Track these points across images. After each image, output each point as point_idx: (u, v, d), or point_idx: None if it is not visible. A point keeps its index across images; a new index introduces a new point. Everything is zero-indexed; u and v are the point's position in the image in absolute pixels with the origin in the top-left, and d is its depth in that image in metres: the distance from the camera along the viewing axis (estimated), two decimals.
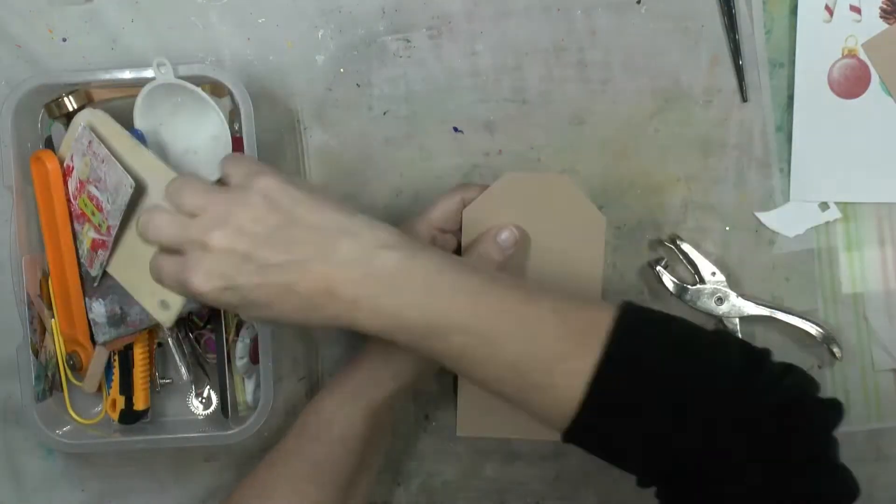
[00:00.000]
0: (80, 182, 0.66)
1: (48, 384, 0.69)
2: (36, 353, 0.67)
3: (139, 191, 0.63)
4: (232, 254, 0.53)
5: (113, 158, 0.63)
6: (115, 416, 0.69)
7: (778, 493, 0.50)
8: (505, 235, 0.64)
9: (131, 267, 0.65)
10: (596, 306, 0.55)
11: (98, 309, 0.67)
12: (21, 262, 0.67)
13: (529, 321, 0.53)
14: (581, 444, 0.54)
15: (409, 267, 0.53)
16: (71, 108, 0.67)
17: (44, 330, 0.68)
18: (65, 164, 0.67)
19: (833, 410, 0.54)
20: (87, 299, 0.67)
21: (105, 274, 0.66)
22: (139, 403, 0.69)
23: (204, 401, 0.73)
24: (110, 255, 0.65)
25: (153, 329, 0.70)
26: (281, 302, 0.53)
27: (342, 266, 0.53)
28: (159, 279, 0.56)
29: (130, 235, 0.64)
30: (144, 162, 0.63)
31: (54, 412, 0.69)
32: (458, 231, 0.66)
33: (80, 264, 0.67)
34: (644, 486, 0.54)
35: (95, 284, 0.67)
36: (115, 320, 0.67)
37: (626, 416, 0.52)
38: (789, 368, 0.54)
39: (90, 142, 0.64)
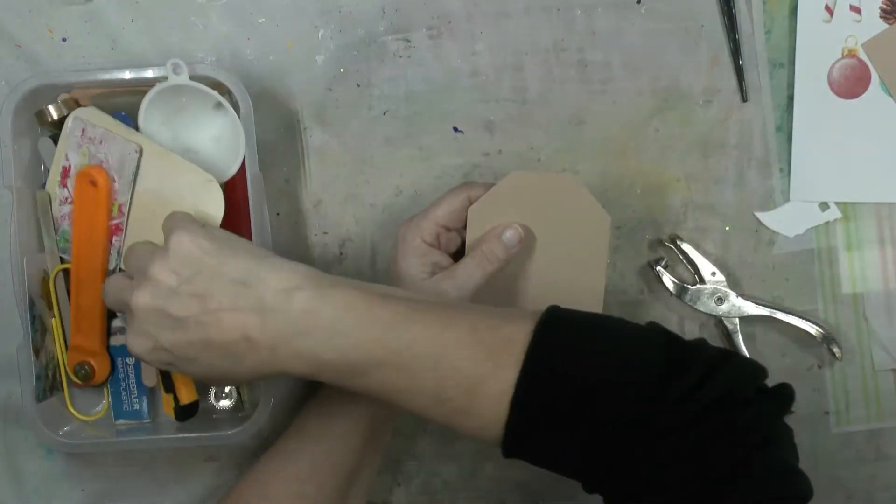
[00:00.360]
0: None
1: (48, 384, 0.69)
2: (36, 353, 0.67)
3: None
4: (152, 312, 0.54)
5: (111, 132, 0.64)
6: (173, 415, 0.69)
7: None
8: (509, 234, 0.64)
9: None
10: (517, 320, 0.53)
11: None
12: (21, 262, 0.67)
13: (446, 347, 0.52)
14: (521, 458, 0.53)
15: (318, 306, 0.53)
16: (57, 116, 0.67)
17: (45, 330, 0.68)
18: (61, 167, 0.67)
19: (775, 401, 0.51)
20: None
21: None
22: (184, 398, 0.69)
23: (225, 395, 0.72)
24: (126, 237, 0.66)
25: None
26: (205, 356, 0.54)
27: (254, 312, 0.53)
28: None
29: (139, 216, 0.65)
30: (138, 141, 0.64)
31: (54, 412, 0.69)
32: (463, 229, 0.66)
33: None
34: (590, 493, 0.53)
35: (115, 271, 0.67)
36: None
37: (552, 429, 0.51)
38: (724, 360, 0.52)
39: (83, 129, 0.65)
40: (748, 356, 0.52)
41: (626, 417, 0.50)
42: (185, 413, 0.69)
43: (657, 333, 0.53)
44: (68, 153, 0.66)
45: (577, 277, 0.66)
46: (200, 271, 0.54)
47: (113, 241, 0.67)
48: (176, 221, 0.57)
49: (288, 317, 0.53)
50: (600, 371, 0.51)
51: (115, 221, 0.66)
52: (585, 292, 0.66)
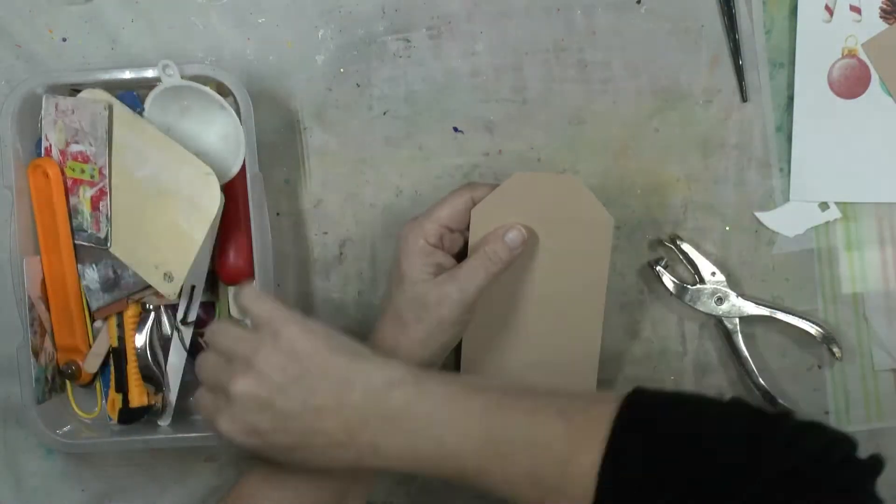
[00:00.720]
0: (62, 152, 0.66)
1: (48, 386, 0.69)
2: (36, 355, 0.67)
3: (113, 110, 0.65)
4: (253, 400, 0.56)
5: (79, 96, 0.66)
6: (115, 416, 0.69)
7: None
8: (512, 235, 0.64)
9: (131, 241, 0.66)
10: (603, 400, 0.55)
11: (91, 275, 0.68)
12: (22, 263, 0.67)
13: (538, 430, 0.55)
14: None
15: (418, 402, 0.56)
16: None
17: (44, 331, 0.68)
18: (43, 148, 0.67)
19: (864, 470, 0.51)
20: (79, 266, 0.68)
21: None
22: (134, 400, 0.69)
23: None
24: (111, 198, 0.66)
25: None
26: (302, 448, 0.56)
27: (356, 411, 0.55)
28: (198, 410, 0.60)
29: (123, 188, 0.66)
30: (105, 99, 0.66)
31: (55, 412, 0.69)
32: (466, 230, 0.66)
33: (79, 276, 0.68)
34: None
35: (109, 245, 0.67)
36: (109, 284, 0.68)
37: (640, 502, 0.52)
38: (811, 430, 0.53)
39: (56, 105, 0.66)
40: (836, 429, 0.55)
41: (713, 490, 0.51)
42: (130, 416, 0.69)
43: (741, 407, 0.55)
44: (46, 133, 0.67)
45: (580, 279, 0.66)
46: (308, 369, 0.56)
47: (100, 206, 0.67)
48: (279, 310, 0.58)
49: (389, 412, 0.55)
50: (685, 446, 0.52)
51: (98, 186, 0.66)
52: (588, 293, 0.66)
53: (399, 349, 0.62)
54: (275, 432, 0.56)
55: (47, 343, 0.68)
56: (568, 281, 0.66)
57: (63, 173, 0.67)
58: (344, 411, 0.55)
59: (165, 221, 0.65)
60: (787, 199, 0.71)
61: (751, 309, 0.70)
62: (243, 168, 0.67)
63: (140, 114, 0.67)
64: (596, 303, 0.67)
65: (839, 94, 0.70)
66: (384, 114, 0.72)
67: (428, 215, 0.65)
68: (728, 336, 0.70)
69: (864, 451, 0.72)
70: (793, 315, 0.70)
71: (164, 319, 0.70)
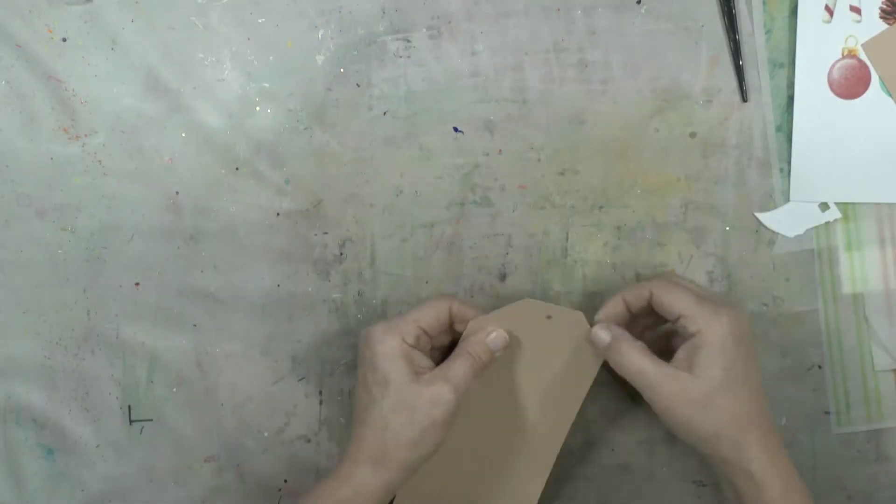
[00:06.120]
0: None
1: None
2: None
3: None
4: None
5: None
6: None
7: None
8: (494, 335, 0.65)
9: None
10: None
11: None
12: None
13: None
14: None
15: None
16: None
17: None
18: None
19: None
20: None
21: None
22: None
23: None
24: None
25: None
26: None
27: None
28: None
29: None
30: None
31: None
32: (442, 335, 0.67)
33: None
34: None
35: None
36: None
37: None
38: None
39: None
40: None
41: None
42: None
43: None
44: None
45: (550, 412, 0.67)
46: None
47: None
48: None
49: None
50: None
51: None
52: (551, 427, 0.67)
53: (388, 455, 0.62)
54: None
55: None
56: (537, 412, 0.67)
57: None
58: None
59: None
60: (787, 199, 0.71)
61: None
62: None
63: None
64: (556, 437, 0.67)
65: (839, 94, 0.70)
66: (384, 114, 0.72)
67: (404, 318, 0.64)
68: None
69: (864, 452, 0.73)
70: None
71: None
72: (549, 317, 0.66)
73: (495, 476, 0.68)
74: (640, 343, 0.63)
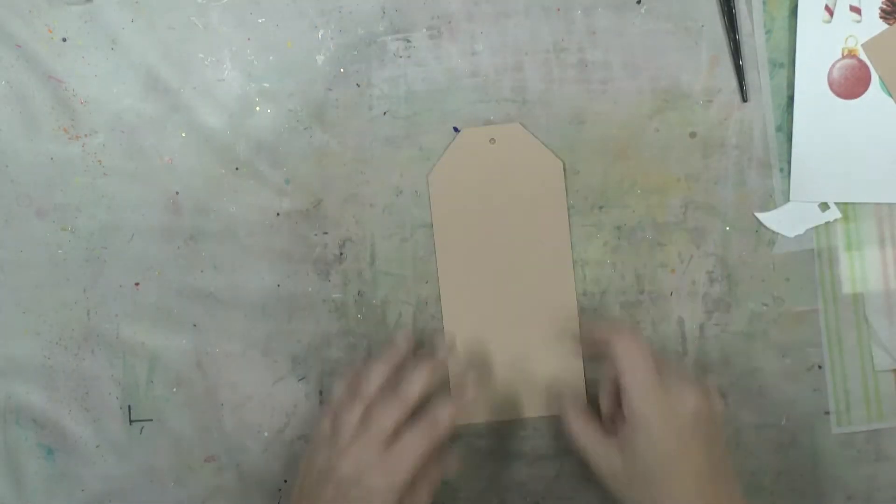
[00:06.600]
0: None
1: None
2: None
3: None
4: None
5: None
6: None
7: None
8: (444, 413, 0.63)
9: None
10: None
11: None
12: None
13: None
14: None
15: None
16: None
17: None
18: None
19: None
20: None
21: None
22: None
23: None
24: None
25: None
26: None
27: None
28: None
29: None
30: None
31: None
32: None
33: None
34: None
35: None
36: None
37: None
38: None
39: None
40: None
41: None
42: None
43: None
44: None
45: (542, 224, 0.70)
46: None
47: None
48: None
49: None
50: None
51: None
52: (552, 236, 0.70)
53: None
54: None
55: None
56: (531, 228, 0.69)
57: None
58: None
59: None
60: (787, 199, 0.71)
61: None
62: None
63: None
64: (562, 244, 0.70)
65: (839, 95, 0.70)
66: (384, 114, 0.72)
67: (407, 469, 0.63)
68: None
69: (864, 452, 0.73)
70: None
71: None
72: (492, 140, 0.69)
73: (532, 294, 0.70)
74: (586, 412, 0.65)
